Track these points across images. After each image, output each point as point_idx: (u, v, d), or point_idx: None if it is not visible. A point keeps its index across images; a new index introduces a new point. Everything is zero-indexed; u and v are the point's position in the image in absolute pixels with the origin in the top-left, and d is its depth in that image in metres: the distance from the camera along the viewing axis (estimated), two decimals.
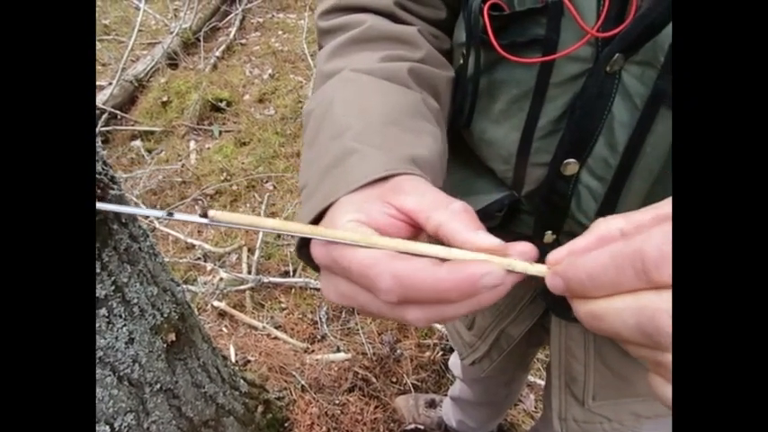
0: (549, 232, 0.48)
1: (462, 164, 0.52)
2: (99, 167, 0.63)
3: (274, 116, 2.61)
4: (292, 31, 3.30)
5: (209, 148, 2.45)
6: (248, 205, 2.10)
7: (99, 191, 0.60)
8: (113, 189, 0.64)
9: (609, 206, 0.42)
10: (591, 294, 0.22)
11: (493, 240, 0.25)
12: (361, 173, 0.30)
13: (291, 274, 1.74)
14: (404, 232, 0.28)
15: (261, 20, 3.50)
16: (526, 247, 0.26)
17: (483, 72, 0.44)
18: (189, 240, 1.88)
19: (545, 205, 0.46)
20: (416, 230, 0.29)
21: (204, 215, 0.27)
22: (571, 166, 0.42)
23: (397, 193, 0.29)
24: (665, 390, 0.22)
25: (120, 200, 0.68)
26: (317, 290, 1.69)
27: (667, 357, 0.21)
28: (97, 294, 0.64)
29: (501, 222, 0.50)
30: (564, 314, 0.54)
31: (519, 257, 0.26)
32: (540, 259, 0.26)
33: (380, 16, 0.45)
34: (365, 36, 0.43)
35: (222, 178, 2.20)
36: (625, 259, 0.21)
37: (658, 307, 0.20)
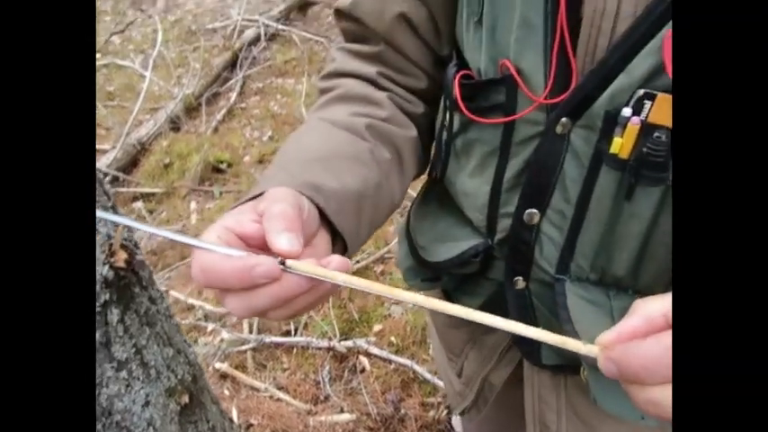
0: (520, 279, 0.52)
1: (447, 213, 0.58)
2: (125, 233, 0.66)
3: None
4: (290, 96, 3.44)
5: (209, 209, 2.50)
6: None
7: (127, 255, 0.63)
8: (138, 254, 0.68)
9: (568, 254, 0.47)
10: (644, 382, 0.25)
11: (287, 244, 0.32)
12: (255, 191, 0.39)
13: (293, 333, 1.74)
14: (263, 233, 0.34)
15: (261, 85, 3.66)
16: (341, 261, 0.33)
17: (459, 133, 0.51)
18: (190, 301, 1.88)
19: (512, 252, 0.50)
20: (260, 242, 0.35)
21: (282, 263, 0.32)
22: (533, 216, 0.47)
23: (260, 202, 0.36)
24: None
25: (142, 265, 0.71)
26: (320, 349, 1.68)
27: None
28: (118, 357, 0.65)
29: (479, 268, 0.54)
30: (537, 361, 0.56)
31: (336, 268, 0.32)
32: (505, 310, 0.30)
33: (365, 82, 0.53)
34: (343, 95, 0.52)
35: None
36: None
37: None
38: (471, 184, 0.52)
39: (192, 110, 3.32)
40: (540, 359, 0.55)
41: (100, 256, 0.60)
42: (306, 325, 1.80)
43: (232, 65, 3.85)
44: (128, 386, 0.67)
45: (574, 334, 0.47)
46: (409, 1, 0.50)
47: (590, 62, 0.39)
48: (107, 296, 0.61)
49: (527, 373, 0.60)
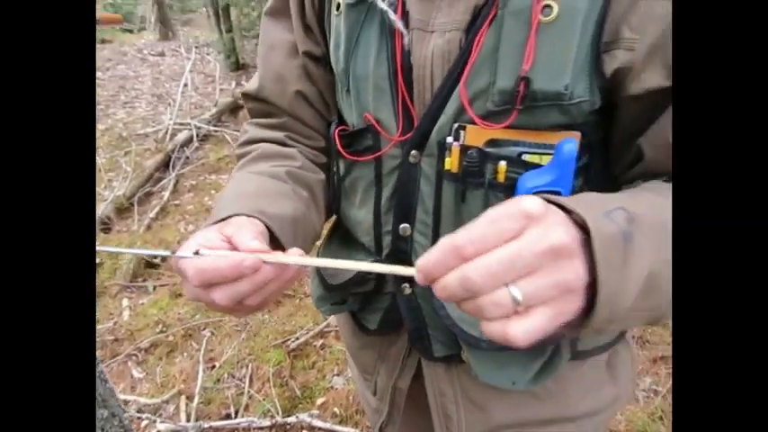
0: (407, 285, 0.63)
1: (346, 243, 0.71)
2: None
3: None
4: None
5: (143, 304, 2.46)
6: (185, 354, 2.08)
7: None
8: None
9: None
10: (436, 276, 0.36)
11: (259, 245, 0.44)
12: (214, 218, 0.51)
13: (233, 415, 1.71)
14: (228, 249, 0.45)
15: (194, 182, 3.76)
16: (299, 251, 0.45)
17: (345, 175, 0.65)
18: (122, 397, 1.81)
19: (396, 263, 0.62)
20: (234, 247, 0.46)
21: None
22: (406, 229, 0.60)
23: (225, 225, 0.48)
24: (487, 326, 0.35)
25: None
26: (262, 428, 1.66)
27: (482, 300, 0.34)
28: None
29: (375, 285, 0.66)
30: (430, 355, 0.66)
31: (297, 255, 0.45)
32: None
33: (276, 144, 0.67)
34: (261, 154, 0.65)
35: (158, 330, 2.19)
36: (446, 248, 0.36)
37: (468, 268, 0.33)
38: (359, 214, 0.65)
39: (123, 210, 3.33)
40: (432, 352, 0.65)
41: None
42: (247, 406, 1.77)
43: (165, 165, 3.95)
44: None
45: (454, 327, 0.58)
46: (303, 81, 0.66)
47: (422, 109, 0.55)
48: None
49: (426, 372, 0.69)
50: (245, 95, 0.71)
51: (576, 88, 0.47)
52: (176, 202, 3.51)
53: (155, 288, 2.58)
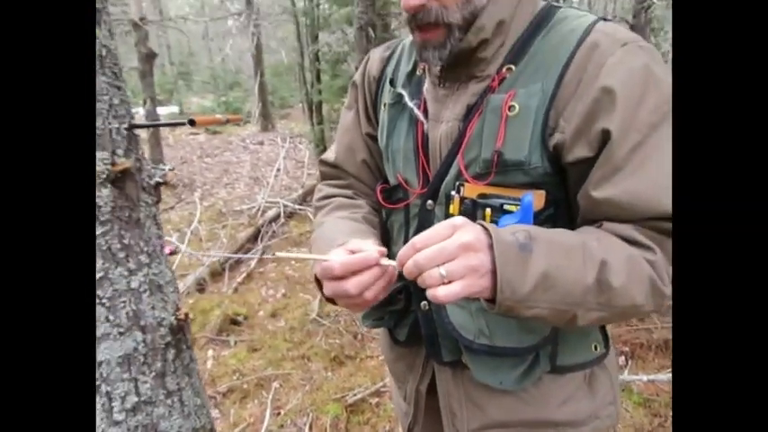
0: (425, 303, 0.83)
1: None
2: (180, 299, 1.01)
3: (284, 327, 2.99)
4: (303, 261, 3.93)
5: (224, 355, 2.77)
6: (256, 400, 2.31)
7: (183, 315, 0.98)
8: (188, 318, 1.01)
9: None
10: (403, 261, 0.57)
11: (380, 248, 0.66)
12: (328, 246, 0.73)
13: None
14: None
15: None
16: (384, 252, 0.66)
17: (386, 219, 0.89)
18: None
19: (414, 286, 0.81)
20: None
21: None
22: None
23: (347, 244, 0.70)
24: (428, 291, 0.56)
25: (189, 327, 1.03)
26: None
27: (425, 274, 0.55)
28: (169, 387, 0.94)
29: (404, 304, 0.87)
30: (440, 359, 0.83)
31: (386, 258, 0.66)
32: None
33: (346, 198, 0.93)
34: (339, 205, 0.91)
35: (235, 378, 2.46)
36: (408, 245, 0.57)
37: (417, 255, 0.56)
38: (395, 248, 0.87)
39: (216, 275, 3.78)
40: (442, 357, 0.84)
41: (170, 309, 0.94)
42: None
43: (255, 237, 4.46)
44: (170, 413, 0.95)
45: (454, 331, 0.78)
46: (366, 152, 0.94)
47: (435, 170, 0.79)
48: (169, 338, 0.94)
49: (438, 376, 0.86)
50: (323, 162, 0.99)
51: (532, 158, 0.69)
52: (261, 269, 3.93)
53: (236, 342, 2.89)
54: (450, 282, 0.55)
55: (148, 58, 6.21)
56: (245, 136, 9.69)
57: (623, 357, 2.55)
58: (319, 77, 7.38)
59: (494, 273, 0.57)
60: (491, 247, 0.57)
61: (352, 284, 0.63)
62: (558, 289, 0.59)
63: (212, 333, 2.94)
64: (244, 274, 3.76)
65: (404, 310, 0.89)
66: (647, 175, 0.64)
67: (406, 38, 0.90)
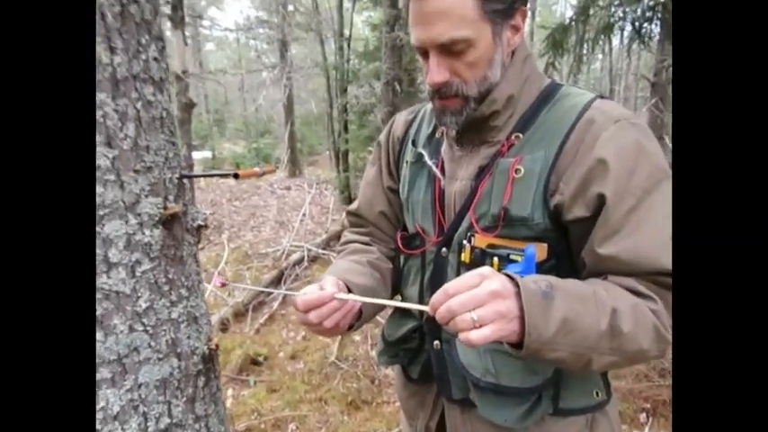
0: (437, 342, 0.90)
1: (401, 314, 1.00)
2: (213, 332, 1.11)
3: (303, 369, 3.04)
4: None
5: (244, 395, 2.82)
6: None
7: (215, 345, 1.07)
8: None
9: None
10: (436, 307, 0.64)
11: (333, 290, 0.76)
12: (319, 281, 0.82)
13: None
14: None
15: None
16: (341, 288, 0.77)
17: (404, 264, 0.98)
18: None
19: (430, 325, 0.90)
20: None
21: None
22: None
23: (323, 282, 0.79)
24: (460, 335, 0.63)
25: (217, 357, 1.12)
26: None
27: (457, 319, 0.62)
28: (198, 413, 1.03)
29: (418, 342, 0.94)
30: (449, 395, 0.89)
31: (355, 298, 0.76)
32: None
33: (363, 244, 1.03)
34: (353, 250, 1.01)
35: (253, 417, 2.51)
36: (441, 291, 0.64)
37: (451, 301, 0.62)
38: (411, 291, 0.95)
39: (239, 315, 3.88)
40: (452, 395, 0.89)
41: (203, 339, 1.04)
42: None
43: (278, 280, 4.56)
44: None
45: (463, 369, 0.85)
46: (385, 204, 1.03)
47: (449, 222, 0.86)
48: (201, 366, 1.03)
49: (447, 413, 0.92)
50: (348, 212, 1.11)
51: (534, 215, 0.78)
52: (283, 311, 4.01)
53: (255, 383, 2.95)
54: (480, 326, 0.61)
55: (187, 107, 6.61)
56: (273, 181, 10.02)
57: (645, 414, 2.50)
58: (347, 127, 7.69)
59: (521, 318, 0.63)
60: (517, 294, 0.64)
61: (312, 316, 0.76)
62: (576, 333, 0.66)
63: (233, 372, 3.01)
64: (266, 315, 3.85)
65: (417, 349, 0.96)
66: (643, 235, 0.72)
67: (428, 104, 1.01)
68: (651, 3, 3.35)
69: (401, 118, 1.05)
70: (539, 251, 0.79)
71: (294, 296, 0.79)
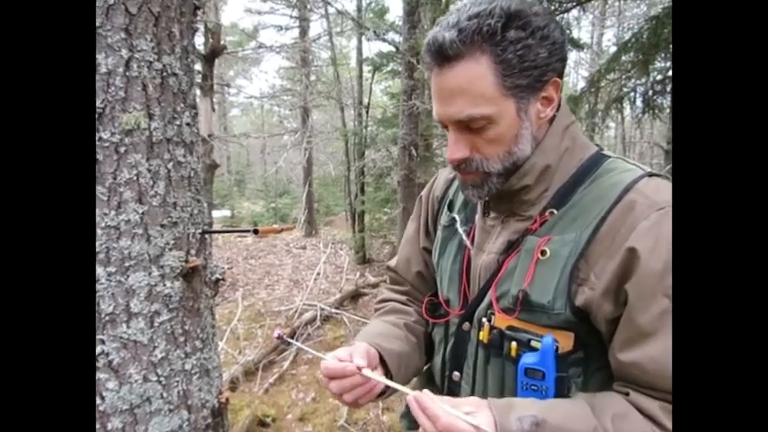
0: (457, 373, 0.87)
1: (428, 380, 0.97)
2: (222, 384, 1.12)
3: None
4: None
5: None
6: None
7: (225, 399, 1.08)
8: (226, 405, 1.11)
9: (470, 394, 0.83)
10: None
11: (361, 362, 0.74)
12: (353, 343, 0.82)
13: None
14: (349, 361, 0.75)
15: (310, 356, 4.21)
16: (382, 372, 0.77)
17: (431, 330, 0.95)
18: None
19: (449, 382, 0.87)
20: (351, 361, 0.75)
21: (359, 369, 0.80)
22: (457, 376, 0.85)
23: (354, 348, 0.79)
24: None
25: (227, 412, 1.13)
26: None
27: None
28: None
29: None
30: None
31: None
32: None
33: (401, 303, 1.00)
34: (391, 309, 0.99)
35: None
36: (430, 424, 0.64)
37: None
38: (436, 359, 0.92)
39: (249, 373, 3.82)
40: None
41: (214, 392, 1.05)
42: None
43: (290, 338, 4.51)
44: None
45: None
46: (422, 264, 0.99)
47: (473, 295, 0.82)
48: (210, 420, 1.03)
49: None
50: (388, 268, 1.07)
51: (555, 304, 0.71)
52: (293, 371, 3.94)
53: None
54: None
55: (211, 167, 6.86)
56: (289, 240, 10.13)
57: None
58: (363, 189, 7.87)
59: None
60: None
61: (333, 386, 0.75)
62: None
63: None
64: (276, 375, 3.78)
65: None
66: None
67: None
68: (660, 77, 3.48)
69: (443, 175, 1.01)
70: (563, 341, 0.73)
71: (322, 358, 0.77)
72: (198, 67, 5.62)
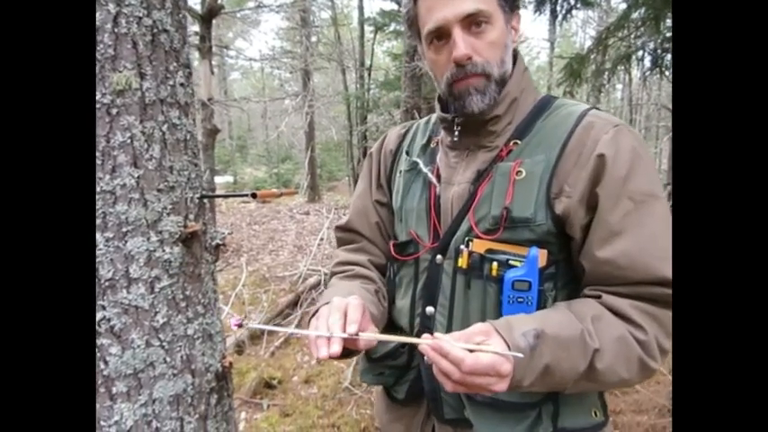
0: (430, 308, 0.87)
1: (389, 331, 0.97)
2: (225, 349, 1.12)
3: (317, 394, 3.02)
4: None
5: (256, 418, 2.80)
6: None
7: (228, 363, 1.08)
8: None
9: (449, 329, 0.83)
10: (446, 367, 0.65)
11: (353, 329, 0.73)
12: (334, 297, 0.81)
13: None
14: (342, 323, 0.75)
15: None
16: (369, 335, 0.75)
17: (396, 273, 0.96)
18: None
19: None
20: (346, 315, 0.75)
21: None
22: (431, 311, 0.87)
23: (347, 302, 0.77)
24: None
25: (231, 375, 1.14)
26: None
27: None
28: (209, 431, 1.03)
29: (407, 358, 0.92)
30: (441, 416, 0.88)
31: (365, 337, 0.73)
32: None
33: (363, 267, 1.00)
34: (356, 274, 0.98)
35: None
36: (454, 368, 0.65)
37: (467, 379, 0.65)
38: (402, 303, 0.93)
39: (255, 338, 3.89)
40: (444, 415, 0.87)
41: (217, 356, 1.05)
42: None
43: (294, 303, 4.58)
44: None
45: None
46: (377, 216, 1.01)
47: (446, 227, 0.85)
48: (214, 384, 1.04)
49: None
50: (338, 228, 1.08)
51: (537, 216, 0.78)
52: (298, 335, 4.01)
53: (268, 406, 2.93)
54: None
55: (212, 133, 6.80)
56: (292, 206, 10.14)
57: None
58: (366, 154, 7.80)
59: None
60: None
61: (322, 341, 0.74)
62: (555, 376, 0.70)
63: (247, 395, 3.00)
64: (282, 339, 3.85)
65: (405, 366, 0.94)
66: (641, 240, 0.73)
67: (421, 120, 1.05)
68: (669, 34, 3.37)
69: (393, 132, 1.07)
70: (540, 257, 0.79)
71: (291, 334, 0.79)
72: (195, 28, 5.47)
